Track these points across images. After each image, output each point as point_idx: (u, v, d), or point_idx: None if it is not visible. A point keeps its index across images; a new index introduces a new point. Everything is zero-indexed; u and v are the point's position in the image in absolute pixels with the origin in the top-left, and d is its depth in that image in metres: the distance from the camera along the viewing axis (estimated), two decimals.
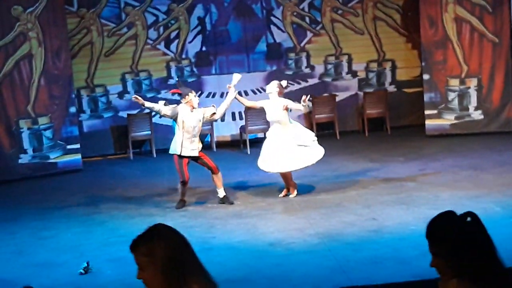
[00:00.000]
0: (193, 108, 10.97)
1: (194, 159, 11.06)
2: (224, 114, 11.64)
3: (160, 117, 11.65)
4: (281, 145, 11.05)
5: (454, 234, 3.24)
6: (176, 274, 3.28)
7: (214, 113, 11.17)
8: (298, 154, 11.07)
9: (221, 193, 11.21)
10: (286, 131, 11.12)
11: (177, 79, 11.93)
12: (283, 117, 11.12)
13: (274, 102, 11.18)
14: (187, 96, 10.99)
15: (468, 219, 3.28)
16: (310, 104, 11.26)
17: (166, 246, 3.34)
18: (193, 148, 10.96)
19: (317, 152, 11.29)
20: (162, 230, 3.48)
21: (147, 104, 10.94)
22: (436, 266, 3.31)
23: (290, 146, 11.05)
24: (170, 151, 11.10)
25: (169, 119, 11.11)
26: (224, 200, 11.16)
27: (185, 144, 10.90)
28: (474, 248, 3.21)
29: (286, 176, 11.33)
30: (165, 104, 10.99)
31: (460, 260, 3.21)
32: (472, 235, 3.24)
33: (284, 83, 11.45)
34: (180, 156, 10.94)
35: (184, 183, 11.03)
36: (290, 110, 11.31)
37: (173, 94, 11.36)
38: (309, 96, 11.50)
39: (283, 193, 11.40)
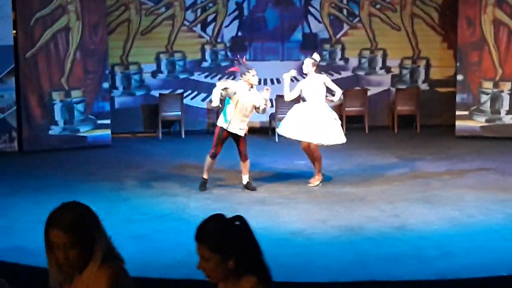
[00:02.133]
0: (252, 86, 10.92)
1: (236, 137, 11.05)
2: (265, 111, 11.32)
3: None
4: (312, 116, 11.06)
5: (222, 237, 3.28)
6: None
7: (258, 108, 11.04)
8: (325, 129, 11.08)
9: (245, 179, 11.24)
10: (320, 107, 11.20)
11: (236, 57, 11.75)
12: (323, 94, 11.27)
13: (312, 80, 11.25)
14: (244, 75, 10.94)
15: (237, 222, 3.33)
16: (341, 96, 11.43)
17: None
18: (241, 127, 10.96)
19: (341, 135, 11.30)
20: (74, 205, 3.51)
21: (215, 100, 10.83)
22: (203, 268, 3.32)
23: (320, 119, 11.06)
24: (218, 123, 11.09)
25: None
26: (248, 186, 11.19)
27: (234, 121, 10.89)
28: (241, 251, 3.28)
29: (312, 157, 11.35)
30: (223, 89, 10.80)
31: (227, 262, 3.27)
32: (240, 238, 3.29)
33: (316, 57, 11.52)
34: (224, 130, 10.96)
35: (213, 156, 11.03)
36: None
37: (230, 73, 11.22)
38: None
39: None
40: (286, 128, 11.32)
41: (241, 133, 10.97)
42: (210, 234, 3.32)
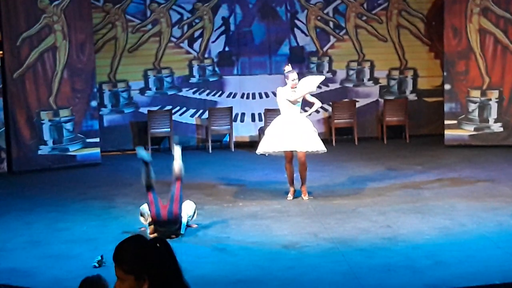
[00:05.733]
0: None
1: None
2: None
3: None
4: (290, 127, 11.07)
5: (136, 259, 3.27)
6: None
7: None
8: (304, 137, 11.08)
9: None
10: (297, 118, 11.25)
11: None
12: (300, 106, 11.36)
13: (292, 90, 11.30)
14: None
15: (158, 245, 3.31)
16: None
17: None
18: None
19: (321, 144, 11.30)
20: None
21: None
22: None
23: (299, 129, 11.07)
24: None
25: None
26: None
27: None
28: (156, 274, 3.25)
29: (297, 173, 11.36)
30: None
31: (142, 284, 3.26)
32: (156, 261, 3.27)
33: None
34: None
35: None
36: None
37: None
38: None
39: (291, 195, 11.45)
40: (264, 145, 11.33)
41: None
42: (125, 255, 3.30)
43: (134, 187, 12.72)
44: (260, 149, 11.44)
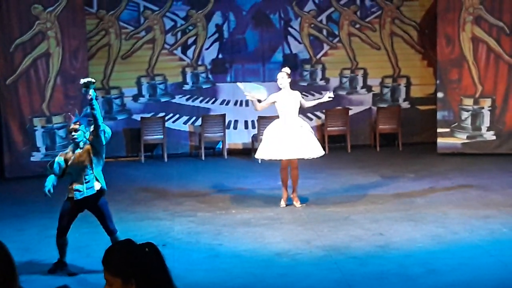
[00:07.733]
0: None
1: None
2: None
3: None
4: (287, 132, 11.08)
5: (128, 263, 3.31)
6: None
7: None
8: (304, 143, 11.10)
9: None
10: (294, 122, 11.23)
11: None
12: (297, 108, 11.32)
13: (288, 94, 11.32)
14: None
15: (146, 249, 3.35)
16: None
17: None
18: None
19: (319, 148, 11.31)
20: None
21: None
22: None
23: (297, 134, 11.08)
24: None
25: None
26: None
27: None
28: (143, 277, 3.29)
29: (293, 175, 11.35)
30: None
31: (129, 287, 3.30)
32: (143, 264, 3.31)
33: (287, 69, 11.63)
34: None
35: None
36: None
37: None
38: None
39: (283, 202, 11.45)
40: (265, 151, 11.33)
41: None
42: (112, 258, 3.36)
43: (127, 194, 12.73)
44: (259, 155, 11.43)
